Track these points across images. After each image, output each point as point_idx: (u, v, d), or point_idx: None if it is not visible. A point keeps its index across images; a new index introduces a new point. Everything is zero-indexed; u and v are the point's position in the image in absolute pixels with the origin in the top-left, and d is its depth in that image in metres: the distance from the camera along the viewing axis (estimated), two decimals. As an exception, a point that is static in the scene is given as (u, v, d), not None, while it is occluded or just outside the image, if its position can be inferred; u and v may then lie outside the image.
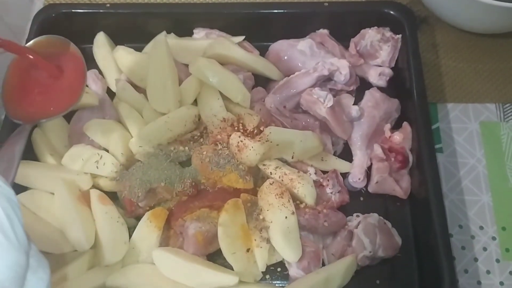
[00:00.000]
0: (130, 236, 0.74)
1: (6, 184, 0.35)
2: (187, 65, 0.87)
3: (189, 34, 0.94)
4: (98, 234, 0.74)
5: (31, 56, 0.54)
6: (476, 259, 0.78)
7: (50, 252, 0.72)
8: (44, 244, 0.72)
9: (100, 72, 0.91)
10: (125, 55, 0.89)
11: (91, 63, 0.93)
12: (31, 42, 0.62)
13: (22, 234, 0.34)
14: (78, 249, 0.72)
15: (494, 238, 0.79)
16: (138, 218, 0.76)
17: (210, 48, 0.88)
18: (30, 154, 0.82)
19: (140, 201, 0.76)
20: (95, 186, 0.79)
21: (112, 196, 0.78)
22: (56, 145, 0.83)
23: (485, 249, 0.78)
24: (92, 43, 0.93)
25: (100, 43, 0.93)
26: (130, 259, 0.73)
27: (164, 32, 0.92)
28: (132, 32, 0.93)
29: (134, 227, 0.75)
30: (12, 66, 0.57)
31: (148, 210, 0.76)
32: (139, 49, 0.91)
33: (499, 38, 0.96)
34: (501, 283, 0.76)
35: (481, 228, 0.80)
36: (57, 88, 0.53)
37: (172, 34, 0.93)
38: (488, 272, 0.77)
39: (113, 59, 0.90)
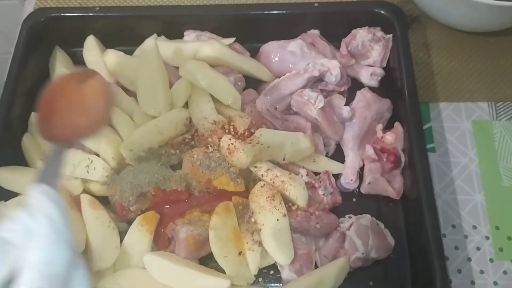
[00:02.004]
0: (121, 240, 0.74)
1: (56, 192, 0.41)
2: (177, 68, 0.87)
3: (180, 36, 0.93)
4: (89, 239, 0.73)
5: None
6: (469, 259, 0.77)
7: (41, 258, 0.72)
8: (34, 250, 0.71)
9: (91, 76, 0.91)
10: (115, 59, 0.88)
11: (81, 66, 0.93)
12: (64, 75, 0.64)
13: (71, 236, 0.39)
14: (69, 254, 0.72)
15: (487, 238, 0.79)
16: (130, 222, 0.75)
17: (201, 50, 0.87)
18: (20, 159, 0.82)
19: (131, 205, 0.75)
20: (85, 191, 0.78)
21: (103, 200, 0.78)
22: (46, 150, 0.83)
23: (478, 248, 0.78)
24: (82, 46, 0.93)
25: (90, 46, 0.92)
26: (122, 264, 0.73)
27: (154, 35, 0.92)
28: (122, 35, 0.93)
29: (126, 232, 0.74)
30: (46, 95, 0.60)
31: (139, 214, 0.75)
32: (129, 52, 0.91)
33: (491, 36, 0.96)
34: (495, 283, 0.75)
35: (474, 227, 0.80)
36: (86, 112, 0.57)
37: (162, 36, 0.93)
38: (481, 272, 0.76)
39: (103, 63, 0.90)
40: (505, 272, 0.76)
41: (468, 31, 0.95)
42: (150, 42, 0.86)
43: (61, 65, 0.91)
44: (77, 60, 0.94)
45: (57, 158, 0.52)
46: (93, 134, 0.62)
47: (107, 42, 0.93)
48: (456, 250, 0.78)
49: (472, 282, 0.76)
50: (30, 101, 0.87)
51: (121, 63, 0.87)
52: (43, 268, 0.36)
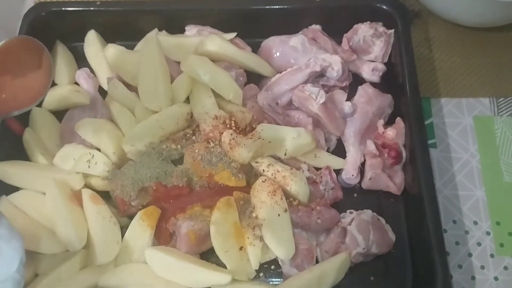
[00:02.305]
0: (122, 235, 0.74)
1: None
2: (178, 63, 0.87)
3: (181, 31, 0.93)
4: (90, 234, 0.73)
5: None
6: (470, 254, 0.78)
7: (42, 252, 0.72)
8: (36, 244, 0.72)
9: (92, 71, 0.91)
10: (116, 53, 0.88)
11: (82, 61, 0.93)
12: (1, 43, 0.60)
13: None
14: (70, 249, 0.72)
15: (488, 233, 0.79)
16: (131, 217, 0.75)
17: (202, 45, 0.87)
18: (21, 154, 0.82)
19: (132, 200, 0.75)
20: (87, 186, 0.78)
21: (104, 195, 0.78)
22: (48, 144, 0.83)
23: (479, 244, 0.78)
24: (83, 41, 0.93)
25: (91, 41, 0.92)
26: (123, 259, 0.73)
27: (155, 30, 0.92)
28: (123, 29, 0.92)
29: (127, 226, 0.75)
30: None
31: (140, 209, 0.75)
32: (130, 47, 0.91)
33: (493, 32, 0.95)
34: (496, 278, 0.76)
35: (475, 223, 0.80)
36: (20, 85, 0.53)
37: (163, 31, 0.93)
38: (482, 267, 0.77)
39: (104, 58, 0.90)
40: (505, 268, 0.76)
41: (470, 26, 0.95)
42: (151, 37, 0.86)
43: (61, 60, 0.91)
44: (78, 54, 0.94)
45: None
46: (31, 105, 0.59)
47: (108, 36, 0.93)
48: (457, 246, 0.78)
49: (473, 278, 0.76)
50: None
51: (122, 57, 0.87)
52: None
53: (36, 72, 0.54)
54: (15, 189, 0.78)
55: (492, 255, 0.77)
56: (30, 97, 0.56)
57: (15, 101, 0.53)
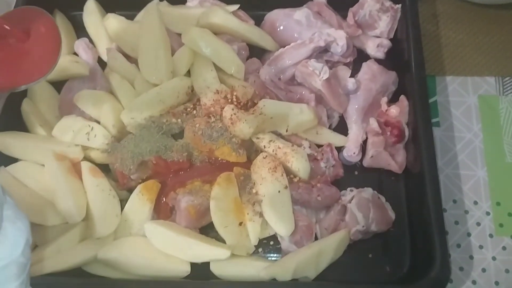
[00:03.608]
0: (122, 208, 0.74)
1: None
2: (180, 34, 0.85)
3: (182, 2, 0.91)
4: (90, 206, 0.73)
5: (7, 28, 0.52)
6: (469, 234, 0.78)
7: (41, 224, 0.72)
8: (35, 215, 0.72)
9: (91, 41, 0.89)
10: (116, 24, 0.86)
11: (81, 31, 0.91)
12: (3, 14, 0.58)
13: None
14: (69, 221, 0.72)
15: (488, 213, 0.79)
16: (130, 191, 0.75)
17: (204, 17, 0.85)
18: (20, 125, 0.81)
19: (132, 173, 0.75)
20: (86, 158, 0.78)
21: (104, 168, 0.77)
22: (46, 115, 0.82)
23: (478, 224, 0.78)
24: (82, 10, 0.91)
25: (91, 10, 0.90)
26: (122, 232, 0.73)
27: (156, 0, 0.90)
28: (123, -1, 0.90)
29: (126, 200, 0.74)
30: None
31: (140, 183, 0.75)
32: (130, 17, 0.89)
33: (501, 9, 0.93)
34: (494, 258, 0.76)
35: (476, 203, 0.80)
36: (29, 57, 0.52)
37: (164, 1, 0.90)
38: (480, 247, 0.77)
39: (104, 28, 0.88)
40: (504, 248, 0.76)
41: (478, 3, 0.93)
42: (152, 7, 0.84)
43: (60, 29, 0.88)
44: (77, 24, 0.92)
45: None
46: (40, 79, 0.56)
47: (108, 6, 0.91)
48: (456, 225, 0.78)
49: (471, 257, 0.76)
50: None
51: (122, 28, 0.85)
52: None
53: (44, 44, 0.52)
54: (14, 160, 0.77)
55: (491, 235, 0.77)
56: (38, 70, 0.53)
57: (23, 75, 0.52)
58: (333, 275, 0.72)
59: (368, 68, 0.84)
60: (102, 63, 0.87)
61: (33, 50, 0.53)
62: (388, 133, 0.79)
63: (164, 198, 0.74)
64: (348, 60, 0.85)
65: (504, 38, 0.92)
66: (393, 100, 0.84)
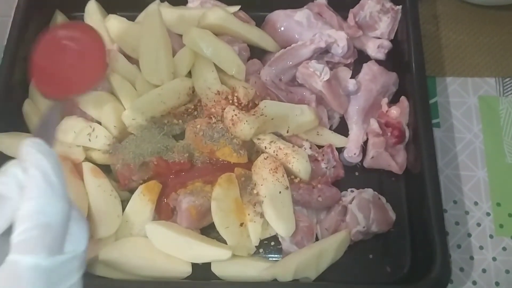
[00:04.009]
0: (123, 209, 0.74)
1: (48, 146, 0.41)
2: (181, 35, 0.85)
3: (183, 3, 0.91)
4: (91, 207, 0.73)
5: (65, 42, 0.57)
6: (469, 235, 0.78)
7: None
8: (37, 217, 0.72)
9: (92, 42, 0.89)
10: (117, 24, 0.86)
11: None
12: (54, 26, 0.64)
13: (65, 186, 0.39)
14: (71, 222, 0.72)
15: (488, 214, 0.79)
16: (132, 191, 0.75)
17: (205, 18, 0.85)
18: (21, 125, 0.81)
19: (133, 174, 0.75)
20: (87, 159, 0.78)
21: (105, 169, 0.77)
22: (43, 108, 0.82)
23: (479, 224, 0.78)
24: (83, 11, 0.91)
25: (92, 11, 0.90)
26: (123, 233, 0.73)
27: (157, 1, 0.90)
28: (124, 0, 0.90)
29: (128, 200, 0.74)
30: (39, 49, 0.58)
31: (141, 183, 0.75)
32: (131, 18, 0.89)
33: (502, 10, 0.94)
34: (494, 259, 0.76)
35: (476, 203, 0.80)
36: (81, 68, 0.56)
37: (165, 2, 0.91)
38: (481, 247, 0.77)
39: (105, 28, 0.88)
40: (504, 248, 0.77)
41: (478, 4, 0.93)
42: (153, 8, 0.84)
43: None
44: (78, 25, 0.92)
45: (53, 115, 0.51)
46: (89, 90, 0.61)
47: (109, 7, 0.91)
48: (456, 226, 0.78)
49: (471, 258, 0.76)
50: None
51: (123, 29, 0.86)
52: (35, 218, 0.35)
53: (91, 57, 0.55)
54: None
55: (491, 236, 0.78)
56: (86, 82, 0.57)
57: (71, 87, 0.55)
58: (333, 276, 0.72)
59: (368, 69, 0.84)
60: (103, 64, 0.87)
61: (85, 62, 0.56)
62: (389, 134, 0.79)
63: (165, 199, 0.74)
64: (349, 61, 0.85)
65: (504, 39, 0.92)
66: (393, 101, 0.84)
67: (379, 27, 0.87)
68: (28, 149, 0.40)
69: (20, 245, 0.34)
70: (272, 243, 0.75)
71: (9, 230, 0.37)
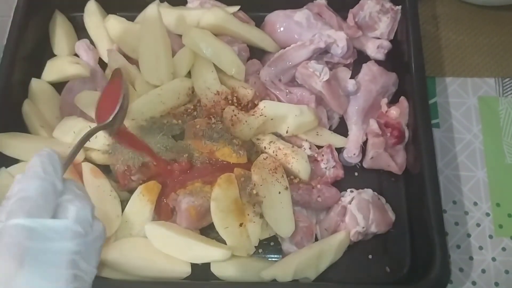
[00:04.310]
0: (122, 209, 0.74)
1: (52, 150, 0.47)
2: (180, 36, 0.85)
3: (183, 3, 0.91)
4: (91, 207, 0.73)
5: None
6: (469, 235, 0.78)
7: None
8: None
9: (92, 42, 0.89)
10: (116, 25, 0.86)
11: (82, 32, 0.92)
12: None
13: (51, 174, 0.44)
14: (70, 222, 0.72)
15: (488, 214, 0.79)
16: (131, 192, 0.75)
17: (204, 18, 0.85)
18: (21, 126, 0.81)
19: (132, 174, 0.75)
20: (87, 159, 0.78)
21: (105, 169, 0.77)
22: (47, 116, 0.82)
23: (478, 225, 0.78)
24: (82, 11, 0.91)
25: (91, 11, 0.90)
26: (123, 233, 0.73)
27: (157, 1, 0.90)
28: (124, 0, 0.90)
29: (127, 201, 0.74)
30: (103, 93, 0.66)
31: (141, 184, 0.75)
32: (131, 18, 0.89)
33: (501, 10, 0.94)
34: (493, 259, 0.76)
35: (475, 204, 0.80)
36: (113, 100, 0.63)
37: (165, 2, 0.91)
38: (480, 248, 0.77)
39: (104, 29, 0.88)
40: (503, 249, 0.77)
41: (478, 4, 0.93)
42: (152, 9, 0.84)
43: (61, 31, 0.89)
44: (78, 25, 0.92)
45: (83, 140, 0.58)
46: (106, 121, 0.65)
47: (108, 7, 0.91)
48: (456, 226, 0.78)
49: (471, 258, 0.76)
50: (30, 66, 0.85)
51: (123, 29, 0.86)
52: (17, 194, 0.41)
53: (119, 91, 0.63)
54: (15, 161, 0.77)
55: (490, 236, 0.78)
56: (114, 109, 0.63)
57: (107, 115, 0.63)
58: (333, 276, 0.72)
59: (368, 70, 0.84)
60: (103, 64, 0.87)
61: (116, 96, 0.63)
62: (388, 134, 0.79)
63: (164, 199, 0.74)
64: (348, 61, 0.85)
65: (504, 39, 0.92)
66: (393, 101, 0.84)
67: (378, 28, 0.87)
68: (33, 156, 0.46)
69: (5, 215, 0.40)
70: (272, 244, 0.75)
71: None
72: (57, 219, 0.42)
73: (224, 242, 0.71)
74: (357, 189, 0.77)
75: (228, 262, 0.70)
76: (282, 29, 0.87)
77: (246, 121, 0.74)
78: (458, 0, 0.93)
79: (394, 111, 0.80)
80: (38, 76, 0.85)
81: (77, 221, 0.43)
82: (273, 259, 0.74)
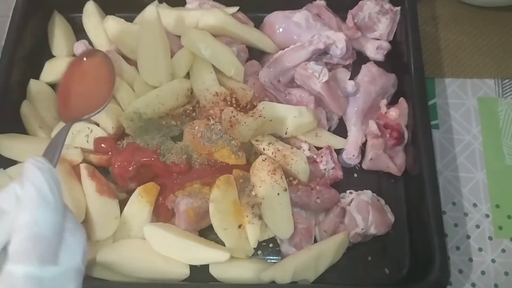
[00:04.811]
0: (121, 211, 0.74)
1: (51, 164, 0.43)
2: (179, 37, 0.85)
3: (182, 4, 0.91)
4: (89, 209, 0.73)
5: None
6: (468, 236, 0.78)
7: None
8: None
9: (90, 43, 0.89)
10: (115, 26, 0.86)
11: (81, 33, 0.91)
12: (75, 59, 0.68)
13: (59, 200, 0.40)
14: (69, 224, 0.72)
15: (487, 216, 0.79)
16: (130, 193, 0.75)
17: (203, 19, 0.85)
18: (19, 127, 0.81)
19: (131, 176, 0.75)
20: (85, 161, 0.77)
21: (103, 170, 0.77)
22: (46, 117, 0.82)
23: (478, 226, 0.78)
24: (81, 12, 0.91)
25: (90, 12, 0.90)
26: (121, 234, 0.73)
27: (155, 2, 0.90)
28: (123, 1, 0.90)
29: (126, 202, 0.74)
30: (64, 79, 0.65)
31: (139, 185, 0.75)
32: (129, 19, 0.89)
33: (501, 11, 0.93)
34: (493, 261, 0.76)
35: (475, 205, 0.80)
36: (94, 92, 0.61)
37: (164, 3, 0.90)
38: (480, 249, 0.77)
39: (103, 30, 0.88)
40: (503, 250, 0.76)
41: (477, 5, 0.93)
42: (151, 9, 0.84)
43: (59, 31, 0.89)
44: (76, 26, 0.92)
45: (63, 136, 0.55)
46: (99, 110, 0.65)
47: (107, 8, 0.91)
48: (455, 227, 0.78)
49: (470, 259, 0.76)
50: (29, 67, 0.85)
51: (121, 30, 0.85)
52: (29, 229, 0.38)
53: (101, 82, 0.61)
54: (13, 162, 0.77)
55: (490, 238, 0.77)
56: (94, 105, 0.62)
57: (86, 109, 0.61)
58: (332, 278, 0.72)
59: (367, 71, 0.84)
60: (101, 65, 0.87)
61: (98, 86, 0.62)
62: (388, 135, 0.79)
63: (163, 201, 0.74)
64: (348, 62, 0.85)
65: (503, 40, 0.92)
66: (392, 102, 0.84)
67: (378, 28, 0.87)
68: (28, 165, 0.42)
69: (15, 255, 0.36)
70: (271, 245, 0.75)
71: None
72: (65, 262, 0.39)
73: (223, 244, 0.71)
74: (356, 190, 0.77)
75: (227, 264, 0.69)
76: (281, 30, 0.87)
77: (245, 122, 0.74)
78: (458, 0, 0.93)
79: (393, 112, 0.80)
80: (37, 77, 0.85)
81: (83, 260, 0.41)
82: (272, 261, 0.74)
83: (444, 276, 0.66)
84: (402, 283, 0.73)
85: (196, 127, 0.76)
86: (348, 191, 0.77)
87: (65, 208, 0.42)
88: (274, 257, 0.75)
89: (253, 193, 0.73)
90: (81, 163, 0.76)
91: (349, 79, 0.82)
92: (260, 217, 0.72)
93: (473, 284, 0.75)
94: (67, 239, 0.40)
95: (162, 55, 0.80)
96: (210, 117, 0.77)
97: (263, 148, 0.76)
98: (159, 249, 0.70)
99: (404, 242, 0.76)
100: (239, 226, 0.72)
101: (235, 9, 0.88)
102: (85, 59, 0.70)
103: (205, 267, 0.70)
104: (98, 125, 0.78)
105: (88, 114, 0.64)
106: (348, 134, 0.82)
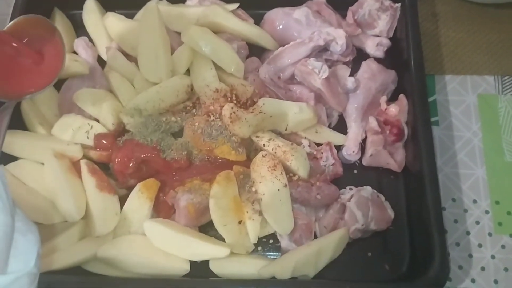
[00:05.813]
0: (121, 207, 0.74)
1: None
2: (179, 33, 0.85)
3: (182, 0, 0.91)
4: (89, 205, 0.73)
5: (15, 45, 0.53)
6: (468, 233, 0.78)
7: (40, 223, 0.72)
8: (34, 214, 0.72)
9: (91, 40, 0.89)
10: (115, 22, 0.86)
11: (81, 30, 0.91)
12: (10, 24, 0.60)
13: (7, 199, 0.36)
14: (69, 219, 0.72)
15: (487, 212, 0.79)
16: (130, 189, 0.75)
17: (203, 15, 0.85)
18: (19, 123, 0.81)
19: (131, 172, 0.75)
20: (86, 157, 0.77)
21: (103, 167, 0.77)
22: (46, 114, 0.82)
23: (477, 222, 0.78)
24: (81, 9, 0.91)
25: (90, 9, 0.90)
26: (121, 230, 0.73)
27: (156, -2, 0.90)
28: (123, -3, 0.90)
29: (126, 198, 0.74)
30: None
31: (139, 181, 0.75)
32: (130, 16, 0.89)
33: (501, 8, 0.93)
34: (493, 257, 0.76)
35: (475, 201, 0.80)
36: (37, 67, 0.54)
37: (164, 0, 0.90)
38: (480, 245, 0.77)
39: (103, 26, 0.88)
40: (503, 246, 0.77)
41: (478, 2, 0.93)
42: (151, 6, 0.84)
43: (59, 28, 0.89)
44: (76, 22, 0.92)
45: (4, 116, 0.50)
46: (46, 88, 0.58)
47: (107, 4, 0.91)
48: (455, 224, 0.78)
49: (470, 255, 0.76)
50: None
51: (122, 27, 0.86)
52: None
53: (48, 54, 0.53)
54: (13, 158, 0.77)
55: (490, 234, 0.78)
56: (43, 80, 0.55)
57: (27, 85, 0.53)
58: (332, 274, 0.72)
59: (367, 67, 0.84)
60: (101, 62, 0.87)
61: (39, 60, 0.54)
62: (388, 132, 0.79)
63: (163, 197, 0.74)
64: (348, 59, 0.85)
65: (503, 37, 0.92)
66: (392, 99, 0.84)
67: (378, 25, 0.87)
68: None
69: None
70: (271, 241, 0.75)
71: None
72: (19, 271, 0.35)
73: (223, 240, 0.71)
74: (356, 186, 0.77)
75: (227, 259, 0.69)
76: (281, 26, 0.87)
77: (245, 119, 0.74)
78: (458, -3, 0.93)
79: (393, 109, 0.80)
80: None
81: (37, 262, 0.37)
82: (272, 257, 0.74)
83: (444, 272, 0.66)
84: (402, 278, 0.73)
85: (196, 124, 0.76)
86: (348, 187, 0.77)
87: (13, 207, 0.38)
88: (274, 253, 0.75)
89: (253, 189, 0.73)
90: (81, 159, 0.76)
91: (349, 76, 0.82)
92: (260, 213, 0.72)
93: (473, 280, 0.75)
94: (17, 242, 0.37)
95: (162, 51, 0.80)
96: (210, 114, 0.77)
97: (263, 144, 0.76)
98: (159, 245, 0.70)
99: (404, 238, 0.76)
100: (239, 222, 0.72)
101: (235, 5, 0.88)
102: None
103: (205, 263, 0.71)
104: (98, 121, 0.78)
105: (30, 92, 0.57)
106: (348, 130, 0.82)
